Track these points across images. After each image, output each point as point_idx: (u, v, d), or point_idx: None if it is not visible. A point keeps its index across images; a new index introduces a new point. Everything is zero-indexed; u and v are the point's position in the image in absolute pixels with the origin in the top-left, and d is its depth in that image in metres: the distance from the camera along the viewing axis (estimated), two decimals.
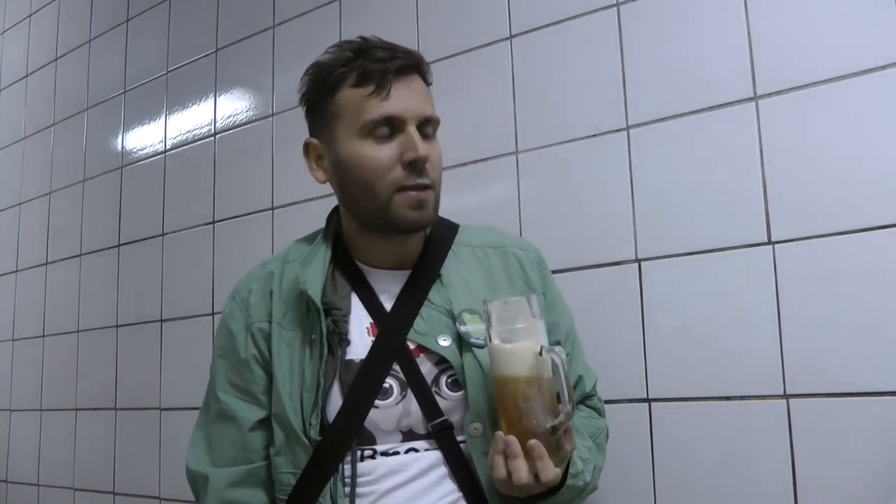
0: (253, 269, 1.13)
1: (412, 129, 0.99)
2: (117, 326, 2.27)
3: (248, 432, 1.04)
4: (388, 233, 1.04)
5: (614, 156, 1.37)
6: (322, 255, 1.06)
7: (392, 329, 1.01)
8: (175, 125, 2.20)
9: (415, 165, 0.98)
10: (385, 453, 0.98)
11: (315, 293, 1.00)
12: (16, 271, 2.72)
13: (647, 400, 1.30)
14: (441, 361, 1.01)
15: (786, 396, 1.17)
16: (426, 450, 0.99)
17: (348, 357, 1.00)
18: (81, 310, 2.41)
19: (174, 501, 2.01)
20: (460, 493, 0.98)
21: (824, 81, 1.18)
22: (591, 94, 1.41)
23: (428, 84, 1.07)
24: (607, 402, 1.23)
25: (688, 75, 1.31)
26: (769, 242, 1.21)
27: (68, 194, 2.53)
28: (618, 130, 1.37)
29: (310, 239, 1.12)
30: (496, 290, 1.08)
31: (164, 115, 2.24)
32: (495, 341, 0.92)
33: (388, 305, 1.04)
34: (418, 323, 1.02)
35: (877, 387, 1.10)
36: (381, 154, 0.99)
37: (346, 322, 1.02)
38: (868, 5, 1.16)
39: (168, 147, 2.21)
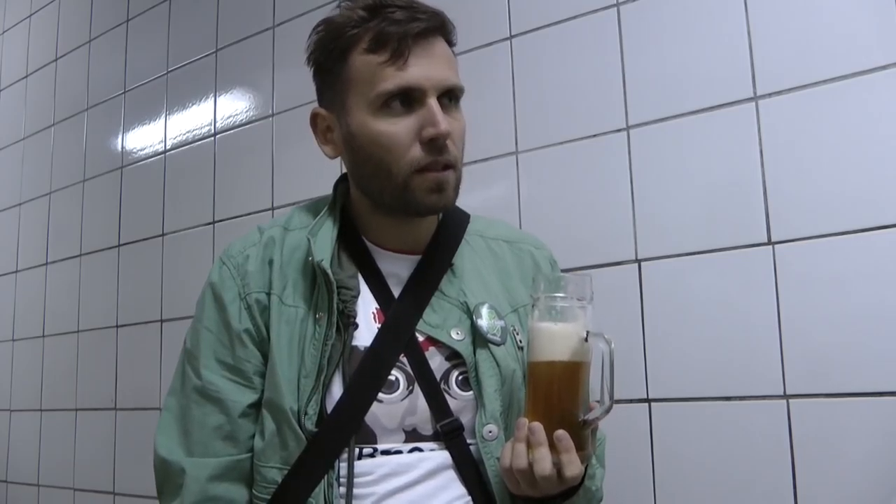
0: (248, 232, 1.01)
1: (432, 102, 0.89)
2: (117, 326, 2.27)
3: (236, 418, 0.91)
4: (402, 215, 0.95)
5: (614, 156, 1.37)
6: (329, 229, 0.96)
7: (400, 317, 0.93)
8: (175, 125, 2.20)
9: (435, 143, 0.88)
10: (387, 452, 0.90)
11: (328, 267, 0.91)
12: (16, 271, 2.72)
13: (647, 400, 1.29)
14: (452, 357, 0.93)
15: (786, 396, 1.17)
16: (432, 450, 0.91)
17: (354, 343, 0.91)
18: (81, 310, 2.41)
19: None
20: (469, 498, 0.90)
21: (824, 81, 1.18)
22: (591, 94, 1.41)
23: (452, 45, 0.95)
24: None
25: (688, 75, 1.31)
26: (769, 242, 1.21)
27: (68, 194, 2.53)
28: (618, 130, 1.37)
29: (313, 208, 1.01)
30: (509, 286, 1.01)
31: (164, 115, 2.23)
32: (538, 320, 0.85)
33: (395, 291, 0.95)
34: (429, 314, 0.94)
35: (877, 387, 1.10)
36: (397, 130, 0.89)
37: (355, 304, 0.93)
38: (868, 5, 1.16)
39: (168, 147, 2.21)
